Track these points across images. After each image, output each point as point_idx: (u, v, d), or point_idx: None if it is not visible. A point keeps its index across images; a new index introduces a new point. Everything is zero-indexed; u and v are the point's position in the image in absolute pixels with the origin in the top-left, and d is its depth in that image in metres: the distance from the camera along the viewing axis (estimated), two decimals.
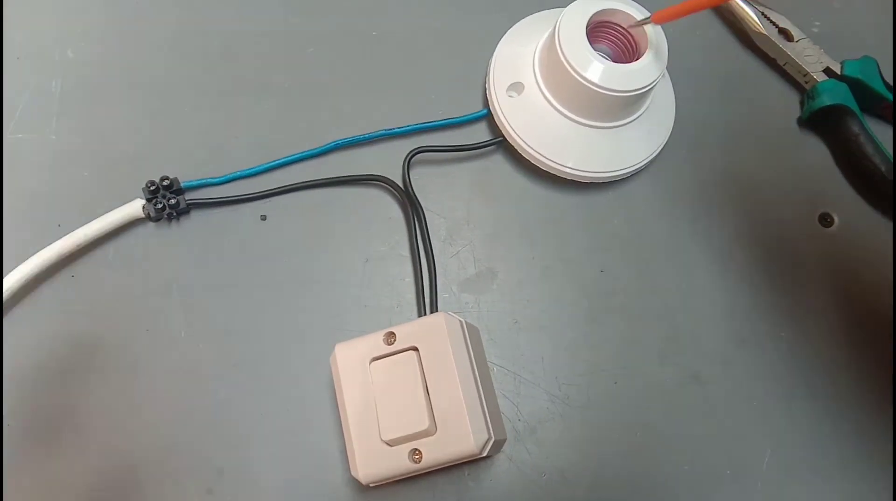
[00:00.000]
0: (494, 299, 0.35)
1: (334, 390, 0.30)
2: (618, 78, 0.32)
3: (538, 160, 0.35)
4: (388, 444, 0.28)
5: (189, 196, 0.35)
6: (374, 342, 0.29)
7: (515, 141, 0.35)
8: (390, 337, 0.29)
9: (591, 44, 0.32)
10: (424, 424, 0.28)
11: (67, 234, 0.34)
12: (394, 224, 0.36)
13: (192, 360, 0.34)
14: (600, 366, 0.34)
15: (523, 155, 0.36)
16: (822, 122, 0.38)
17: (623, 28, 0.34)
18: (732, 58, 0.40)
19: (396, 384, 0.28)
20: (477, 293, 0.35)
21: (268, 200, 0.36)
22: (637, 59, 0.32)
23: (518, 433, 0.33)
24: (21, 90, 0.38)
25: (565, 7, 0.33)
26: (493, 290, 0.35)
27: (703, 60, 0.40)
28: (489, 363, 0.33)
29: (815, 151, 0.38)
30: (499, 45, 0.37)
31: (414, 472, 0.28)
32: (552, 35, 0.33)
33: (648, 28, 0.32)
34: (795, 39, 0.39)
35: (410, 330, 0.29)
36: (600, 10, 0.33)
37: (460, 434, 0.27)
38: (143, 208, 0.35)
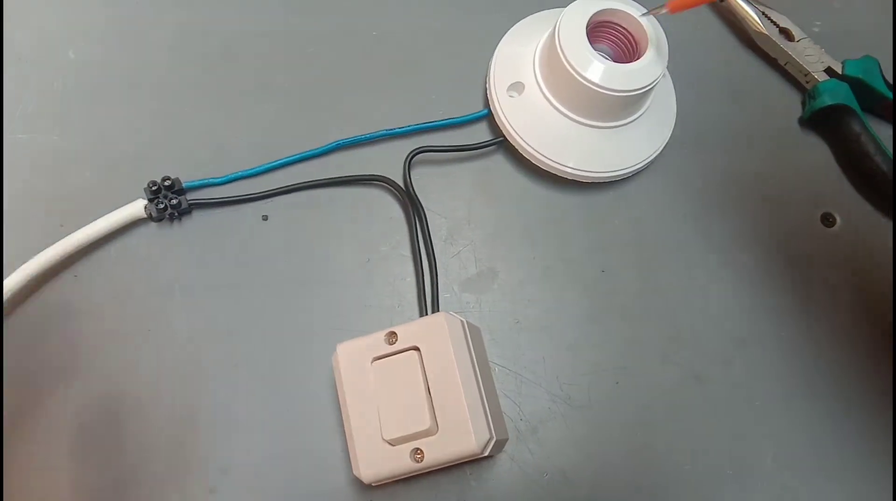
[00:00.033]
0: (496, 299, 0.35)
1: (336, 389, 0.30)
2: (618, 78, 0.32)
3: (539, 160, 0.35)
4: (389, 444, 0.28)
5: (191, 196, 0.35)
6: (375, 342, 0.29)
7: (516, 141, 0.35)
8: (392, 337, 0.29)
9: (591, 44, 0.32)
10: (426, 423, 0.28)
11: (70, 234, 0.34)
12: (395, 224, 0.36)
13: (194, 360, 0.34)
14: (602, 366, 0.34)
15: (524, 155, 0.36)
16: (823, 122, 0.38)
17: (623, 27, 0.34)
18: (733, 58, 0.40)
19: (398, 384, 0.29)
20: (478, 293, 0.35)
21: (269, 200, 0.36)
22: (637, 58, 0.32)
23: (520, 433, 0.33)
24: (23, 91, 0.38)
25: (565, 7, 0.33)
26: (495, 290, 0.35)
27: (703, 60, 0.40)
28: (491, 363, 0.33)
29: (817, 151, 0.38)
30: (499, 45, 0.37)
31: (416, 471, 0.28)
32: (552, 35, 0.33)
33: (649, 28, 0.32)
34: (796, 39, 0.39)
35: (412, 330, 0.29)
36: (600, 10, 0.33)
37: (462, 434, 0.27)
38: (145, 208, 0.35)
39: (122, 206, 0.35)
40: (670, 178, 0.37)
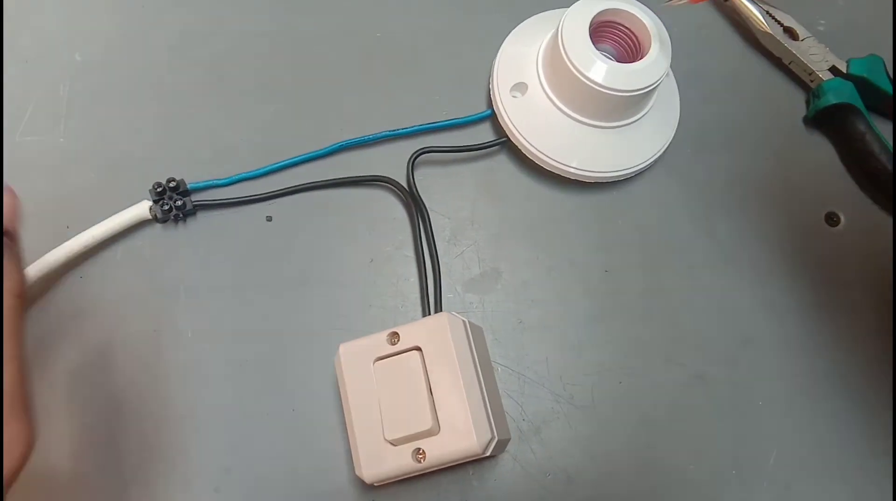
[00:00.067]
0: (499, 299, 0.35)
1: (339, 389, 0.30)
2: (621, 78, 0.32)
3: (542, 160, 0.35)
4: (391, 443, 0.28)
5: (195, 198, 0.36)
6: (377, 342, 0.30)
7: (519, 141, 0.35)
8: (394, 337, 0.29)
9: (594, 44, 0.32)
10: (428, 423, 0.28)
11: (75, 235, 0.34)
12: (398, 225, 0.36)
13: (198, 360, 0.34)
14: (605, 366, 0.34)
15: (527, 155, 0.36)
16: (827, 121, 0.38)
17: (626, 27, 0.34)
18: (737, 57, 0.40)
19: (400, 384, 0.29)
20: (481, 293, 0.35)
21: (273, 201, 0.36)
22: (641, 58, 0.32)
23: (522, 433, 0.33)
24: (29, 93, 0.38)
25: (569, 7, 0.33)
26: (498, 290, 0.35)
27: (707, 59, 0.40)
28: (494, 363, 0.33)
29: (821, 151, 0.38)
30: (502, 46, 0.37)
31: (418, 471, 0.28)
32: (555, 35, 0.33)
33: (652, 27, 0.32)
34: (801, 38, 0.39)
35: (414, 330, 0.29)
36: (603, 10, 0.33)
37: (463, 434, 0.27)
38: (150, 209, 0.35)
39: (127, 207, 0.35)
40: (674, 178, 0.37)
